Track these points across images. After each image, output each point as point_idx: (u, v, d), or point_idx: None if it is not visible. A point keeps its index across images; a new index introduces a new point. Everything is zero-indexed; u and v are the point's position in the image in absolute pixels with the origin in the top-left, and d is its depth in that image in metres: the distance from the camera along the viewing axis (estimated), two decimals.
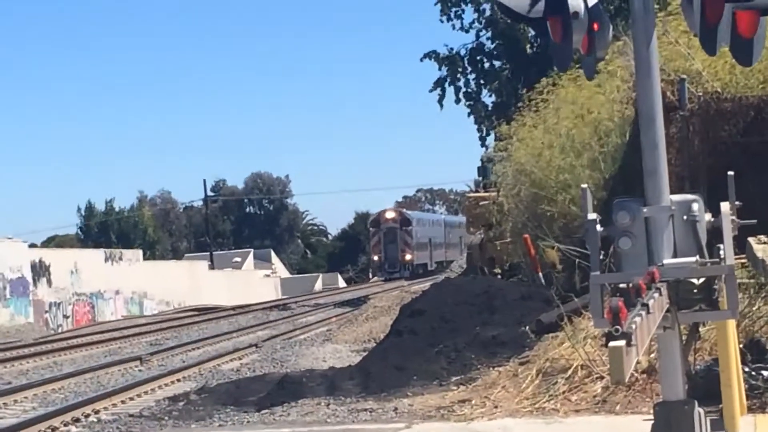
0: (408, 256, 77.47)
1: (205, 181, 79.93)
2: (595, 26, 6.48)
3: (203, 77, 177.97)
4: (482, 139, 35.53)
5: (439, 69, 34.44)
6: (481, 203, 32.62)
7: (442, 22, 34.25)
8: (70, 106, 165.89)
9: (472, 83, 34.24)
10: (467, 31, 34.25)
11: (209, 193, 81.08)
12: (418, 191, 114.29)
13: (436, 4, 34.42)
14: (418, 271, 78.31)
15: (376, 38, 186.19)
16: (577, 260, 13.81)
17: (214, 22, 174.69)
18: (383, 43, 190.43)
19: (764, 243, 10.90)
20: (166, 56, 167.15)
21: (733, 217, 6.77)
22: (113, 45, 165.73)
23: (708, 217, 6.70)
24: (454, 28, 34.58)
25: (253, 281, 72.38)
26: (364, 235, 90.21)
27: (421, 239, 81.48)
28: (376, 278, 79.77)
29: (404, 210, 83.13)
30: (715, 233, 6.70)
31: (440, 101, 34.74)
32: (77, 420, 16.04)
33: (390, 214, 79.87)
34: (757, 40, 5.95)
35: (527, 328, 15.08)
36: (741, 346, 9.16)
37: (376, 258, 79.29)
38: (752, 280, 10.83)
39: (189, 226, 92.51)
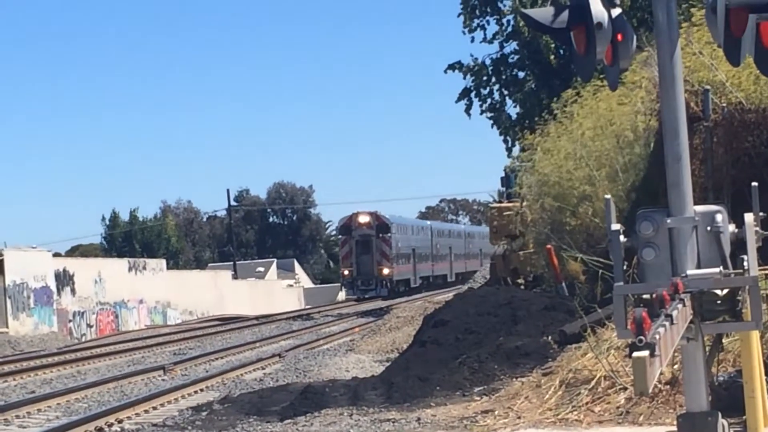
0: (386, 270, 64.20)
1: (228, 190, 78.95)
2: (619, 37, 7.01)
3: (225, 87, 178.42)
4: (508, 150, 35.89)
5: (464, 79, 34.88)
6: (504, 213, 32.64)
7: (464, 33, 34.72)
8: (95, 117, 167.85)
9: (496, 94, 34.70)
10: (491, 43, 34.69)
11: (232, 203, 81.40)
12: (441, 201, 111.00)
13: (459, 16, 34.77)
14: (399, 288, 67.00)
15: (399, 50, 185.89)
16: (600, 271, 13.90)
17: (238, 35, 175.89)
18: (406, 54, 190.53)
19: None
20: (189, 67, 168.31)
21: (757, 228, 7.20)
22: (139, 57, 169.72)
23: (732, 228, 7.17)
24: (473, 40, 35.13)
25: (276, 291, 70.99)
26: None
27: (403, 249, 68.16)
28: (345, 296, 69.61)
29: (381, 213, 67.26)
30: (739, 244, 7.14)
31: (467, 110, 35.25)
32: (101, 429, 16.21)
33: (364, 219, 65.55)
34: None
35: (550, 338, 15.38)
36: (765, 357, 9.14)
37: (346, 272, 66.35)
38: None
39: (212, 235, 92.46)
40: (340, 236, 70.76)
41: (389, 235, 65.51)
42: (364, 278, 65.28)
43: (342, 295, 72.02)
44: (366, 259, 64.43)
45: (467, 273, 72.63)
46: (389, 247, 65.05)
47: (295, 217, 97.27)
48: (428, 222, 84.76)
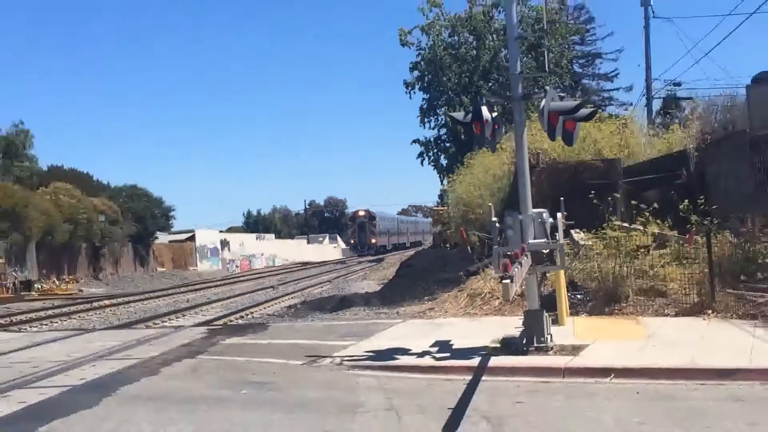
0: (373, 240, 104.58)
1: (305, 200, 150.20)
2: (495, 126, 13.58)
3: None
4: (441, 182, 52.54)
5: (420, 147, 52.46)
6: (440, 212, 55.48)
7: (420, 126, 52.08)
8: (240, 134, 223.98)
9: (436, 153, 52.84)
10: (433, 129, 52.26)
11: (306, 206, 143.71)
12: (409, 206, 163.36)
13: (417, 117, 52.09)
14: (381, 250, 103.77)
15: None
16: (486, 240, 20.90)
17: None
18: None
19: (578, 233, 18.97)
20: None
21: (563, 220, 13.70)
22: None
23: (551, 220, 13.49)
24: (425, 127, 52.57)
25: (327, 250, 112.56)
26: None
27: (381, 229, 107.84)
28: (350, 254, 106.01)
29: (370, 210, 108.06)
30: (554, 228, 13.53)
31: (421, 163, 52.45)
32: (242, 317, 26.83)
33: (361, 213, 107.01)
34: (575, 134, 13.50)
35: (462, 273, 23.29)
36: (567, 282, 15.84)
37: (352, 241, 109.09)
38: (571, 251, 17.57)
39: (296, 223, 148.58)
40: (349, 222, 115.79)
41: (375, 221, 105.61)
42: (362, 244, 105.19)
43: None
44: (363, 234, 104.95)
45: (416, 242, 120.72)
46: (375, 228, 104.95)
47: (337, 213, 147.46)
48: (396, 215, 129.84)
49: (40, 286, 45.28)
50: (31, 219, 48.40)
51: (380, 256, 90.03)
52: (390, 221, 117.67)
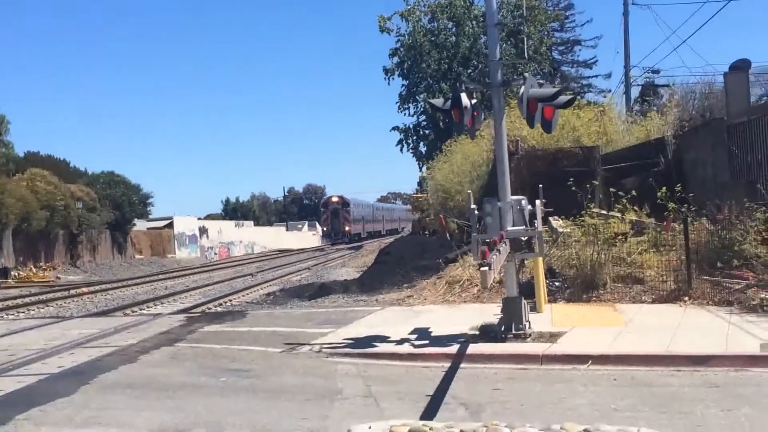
0: (347, 227, 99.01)
1: (284, 187, 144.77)
2: (474, 113, 13.74)
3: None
4: (420, 169, 55.11)
5: (399, 134, 54.32)
6: (419, 199, 53.95)
7: (398, 111, 53.58)
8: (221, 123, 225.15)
9: (415, 140, 54.51)
10: (412, 116, 53.76)
11: (285, 193, 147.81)
12: (388, 193, 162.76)
13: (396, 104, 53.43)
14: (355, 238, 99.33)
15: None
16: (465, 228, 21.02)
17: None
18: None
19: (557, 220, 19.22)
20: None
21: (541, 207, 13.60)
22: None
23: (529, 207, 13.46)
24: (404, 115, 54.28)
25: (306, 237, 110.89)
26: None
27: (356, 216, 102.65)
28: (324, 243, 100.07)
29: (344, 196, 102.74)
30: (532, 215, 13.47)
31: (401, 150, 54.60)
32: (220, 304, 26.64)
33: (335, 199, 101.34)
34: (554, 121, 13.35)
35: (441, 260, 23.42)
36: (545, 269, 16.60)
37: (325, 229, 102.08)
38: (550, 238, 18.18)
39: (275, 210, 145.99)
40: (322, 208, 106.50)
41: (349, 208, 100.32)
42: (335, 232, 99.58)
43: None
44: (336, 221, 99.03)
45: (393, 230, 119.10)
46: (349, 215, 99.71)
47: (316, 200, 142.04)
48: (373, 202, 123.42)
49: (16, 274, 45.06)
50: (7, 206, 48.16)
51: (357, 244, 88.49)
52: (365, 208, 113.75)
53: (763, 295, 14.59)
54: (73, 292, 34.31)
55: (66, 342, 15.56)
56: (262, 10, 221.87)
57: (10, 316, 24.54)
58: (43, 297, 31.80)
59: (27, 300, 30.65)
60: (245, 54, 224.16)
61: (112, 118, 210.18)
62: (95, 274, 51.92)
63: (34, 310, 27.19)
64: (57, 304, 29.12)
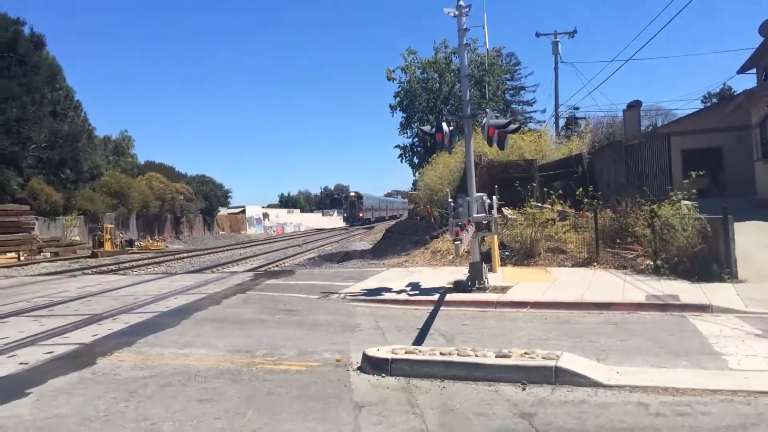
0: (361, 214, 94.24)
1: (320, 186, 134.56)
2: (451, 137, 13.75)
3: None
4: (414, 174, 53.98)
5: (400, 150, 52.88)
6: (413, 195, 52.26)
7: (400, 134, 51.61)
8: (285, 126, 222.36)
9: (411, 155, 52.51)
10: (409, 138, 52.28)
11: (322, 190, 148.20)
12: (392, 190, 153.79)
13: (398, 129, 51.75)
14: (366, 222, 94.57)
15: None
16: (444, 214, 21.46)
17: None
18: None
19: (507, 209, 19.05)
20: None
21: (496, 201, 13.85)
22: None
23: (488, 201, 13.65)
24: (404, 136, 51.98)
25: (335, 220, 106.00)
26: None
27: (367, 206, 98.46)
28: (345, 225, 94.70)
29: (359, 191, 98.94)
30: (490, 206, 13.65)
31: (401, 161, 52.65)
32: (277, 265, 26.06)
33: (353, 194, 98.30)
34: (506, 142, 13.49)
35: (428, 237, 23.48)
36: (499, 242, 16.69)
37: (345, 215, 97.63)
38: (502, 222, 17.70)
39: (314, 201, 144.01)
40: (343, 200, 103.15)
41: (362, 200, 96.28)
42: (352, 217, 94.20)
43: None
44: (353, 210, 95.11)
45: (394, 216, 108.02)
46: (362, 205, 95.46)
47: (343, 195, 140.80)
48: (379, 195, 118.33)
49: (139, 244, 45.15)
50: (133, 197, 48.51)
51: (369, 226, 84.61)
52: (374, 200, 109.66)
53: (648, 263, 14.53)
54: (176, 256, 34.38)
55: (172, 290, 15.62)
56: (311, 53, 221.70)
57: (134, 273, 24.63)
58: (156, 260, 31.88)
59: (145, 261, 30.74)
60: (295, 89, 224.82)
61: (206, 137, 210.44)
62: (192, 245, 51.99)
63: (150, 268, 27.27)
64: (166, 264, 29.19)
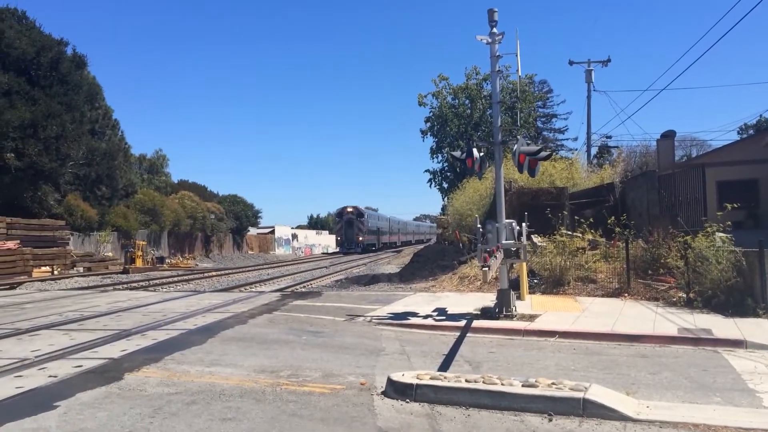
0: (360, 238, 70.01)
1: (338, 209, 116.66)
2: (481, 162, 13.75)
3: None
4: (443, 199, 55.06)
5: (429, 175, 54.78)
6: (442, 220, 54.92)
7: (431, 159, 53.66)
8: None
9: (440, 180, 54.30)
10: (440, 162, 54.01)
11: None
12: (421, 215, 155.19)
13: (428, 153, 53.52)
14: (368, 249, 71.47)
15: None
16: (473, 240, 21.35)
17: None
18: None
19: (537, 237, 19.02)
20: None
21: (526, 228, 13.56)
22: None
23: (518, 227, 13.44)
24: (434, 161, 54.20)
25: None
26: None
27: (371, 227, 73.72)
28: (338, 250, 72.61)
29: (359, 206, 72.55)
30: (519, 233, 13.42)
31: (430, 186, 54.54)
32: (304, 286, 25.64)
33: (349, 209, 71.37)
34: (537, 169, 13.32)
35: (456, 262, 23.72)
36: (528, 270, 15.99)
37: (339, 238, 71.97)
38: (531, 250, 17.37)
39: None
40: (336, 218, 75.06)
41: (363, 218, 70.92)
42: (349, 242, 70.15)
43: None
44: (350, 231, 70.05)
45: (408, 243, 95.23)
46: (363, 225, 70.55)
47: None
48: (388, 215, 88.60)
49: (169, 261, 45.73)
50: (165, 215, 49.25)
51: (396, 249, 72.24)
52: (381, 220, 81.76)
53: (681, 295, 14.25)
54: (206, 274, 34.68)
55: (200, 308, 15.73)
56: (338, 84, 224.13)
57: (164, 289, 24.90)
58: (186, 277, 32.18)
59: (175, 279, 31.04)
60: (325, 113, 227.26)
61: (238, 160, 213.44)
62: (220, 263, 52.44)
63: (179, 285, 27.54)
64: (195, 282, 29.44)
